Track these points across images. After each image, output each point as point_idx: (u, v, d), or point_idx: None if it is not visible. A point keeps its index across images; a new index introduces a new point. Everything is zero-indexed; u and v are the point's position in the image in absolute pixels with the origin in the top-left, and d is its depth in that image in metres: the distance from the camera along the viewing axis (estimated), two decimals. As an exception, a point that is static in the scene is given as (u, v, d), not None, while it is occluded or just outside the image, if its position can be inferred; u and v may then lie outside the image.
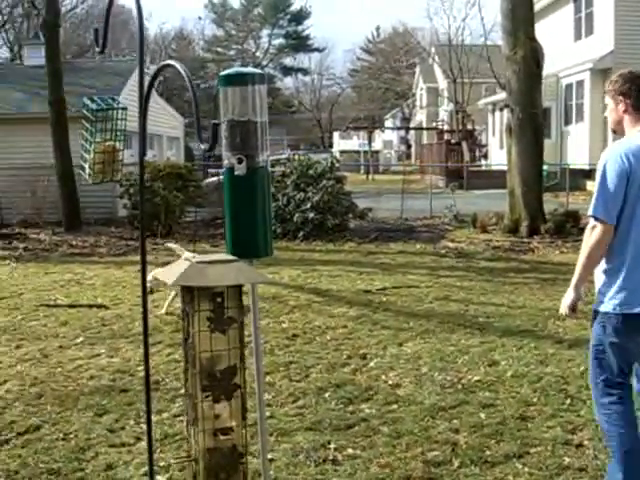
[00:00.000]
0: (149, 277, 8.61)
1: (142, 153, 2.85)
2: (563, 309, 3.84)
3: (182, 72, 2.77)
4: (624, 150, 3.67)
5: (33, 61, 22.35)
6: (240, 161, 3.21)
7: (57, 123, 17.29)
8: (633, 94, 3.75)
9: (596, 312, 3.79)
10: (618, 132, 3.87)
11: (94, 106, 3.58)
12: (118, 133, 3.62)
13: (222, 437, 2.86)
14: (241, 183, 3.28)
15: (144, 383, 3.08)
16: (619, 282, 3.67)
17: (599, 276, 3.78)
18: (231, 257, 2.95)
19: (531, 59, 14.54)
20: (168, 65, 2.93)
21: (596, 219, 3.65)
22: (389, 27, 68.92)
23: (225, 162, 3.30)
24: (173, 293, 8.52)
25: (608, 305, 3.70)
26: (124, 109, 3.64)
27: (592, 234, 3.66)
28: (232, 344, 2.87)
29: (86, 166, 3.58)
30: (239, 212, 3.35)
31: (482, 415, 5.15)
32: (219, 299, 2.82)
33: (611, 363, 3.76)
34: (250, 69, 3.66)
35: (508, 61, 14.86)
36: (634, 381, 3.94)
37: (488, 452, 4.53)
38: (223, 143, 3.31)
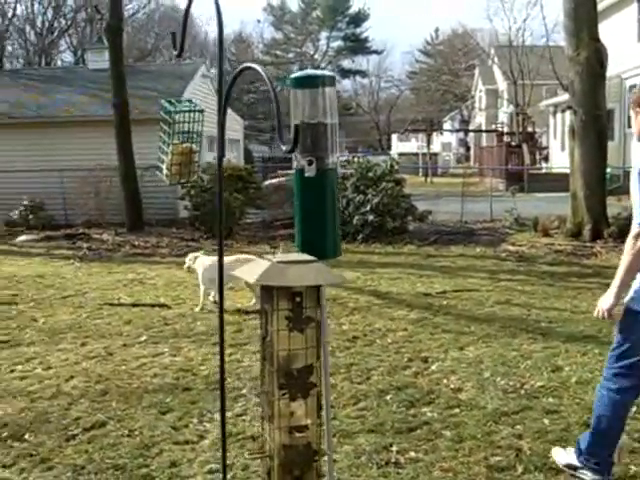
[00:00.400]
0: (188, 257, 9.24)
1: (221, 155, 2.89)
2: (600, 312, 3.98)
3: (262, 74, 2.81)
4: None
5: (96, 65, 22.79)
6: (310, 163, 3.23)
7: (120, 125, 17.60)
8: None
9: (629, 309, 3.94)
10: None
11: (172, 108, 3.63)
12: (195, 135, 3.66)
13: (297, 434, 2.88)
14: (311, 185, 3.31)
15: (219, 382, 3.13)
16: None
17: (638, 277, 3.91)
18: (310, 257, 2.97)
19: (595, 60, 14.27)
20: (248, 67, 2.96)
21: None
22: (448, 29, 68.69)
23: (295, 164, 3.33)
24: (203, 287, 8.84)
25: None
26: (201, 111, 3.69)
27: (637, 242, 3.75)
28: (309, 343, 2.90)
29: (163, 167, 3.63)
30: (309, 213, 3.38)
31: (546, 421, 5.08)
32: (298, 299, 2.84)
33: (629, 357, 3.93)
34: (320, 71, 3.69)
35: (571, 62, 14.61)
36: None
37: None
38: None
